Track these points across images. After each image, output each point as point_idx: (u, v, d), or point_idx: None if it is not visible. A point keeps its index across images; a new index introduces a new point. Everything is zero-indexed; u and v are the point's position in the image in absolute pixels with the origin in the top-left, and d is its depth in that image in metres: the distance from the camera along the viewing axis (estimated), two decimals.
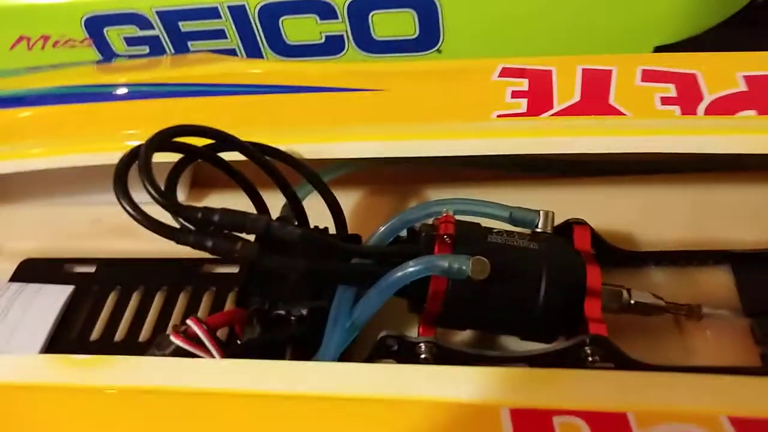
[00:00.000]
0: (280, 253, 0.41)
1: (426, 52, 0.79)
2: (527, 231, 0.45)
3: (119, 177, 0.40)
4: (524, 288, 0.41)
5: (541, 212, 0.45)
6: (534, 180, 0.54)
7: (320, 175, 0.50)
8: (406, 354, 0.42)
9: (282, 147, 0.49)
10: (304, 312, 0.43)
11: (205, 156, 0.47)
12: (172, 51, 0.82)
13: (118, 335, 0.51)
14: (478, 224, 0.45)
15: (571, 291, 0.42)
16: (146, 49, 0.84)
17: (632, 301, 0.44)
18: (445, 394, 0.36)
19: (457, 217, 0.45)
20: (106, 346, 0.50)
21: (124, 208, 0.39)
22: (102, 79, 0.73)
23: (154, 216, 0.38)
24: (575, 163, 0.53)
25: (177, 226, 0.40)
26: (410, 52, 0.79)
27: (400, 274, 0.40)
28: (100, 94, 0.65)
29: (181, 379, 0.38)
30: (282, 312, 0.43)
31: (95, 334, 0.51)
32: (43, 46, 0.86)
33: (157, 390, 0.37)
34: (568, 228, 0.46)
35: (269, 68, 0.66)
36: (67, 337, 0.52)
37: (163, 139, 0.43)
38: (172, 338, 0.39)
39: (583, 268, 0.42)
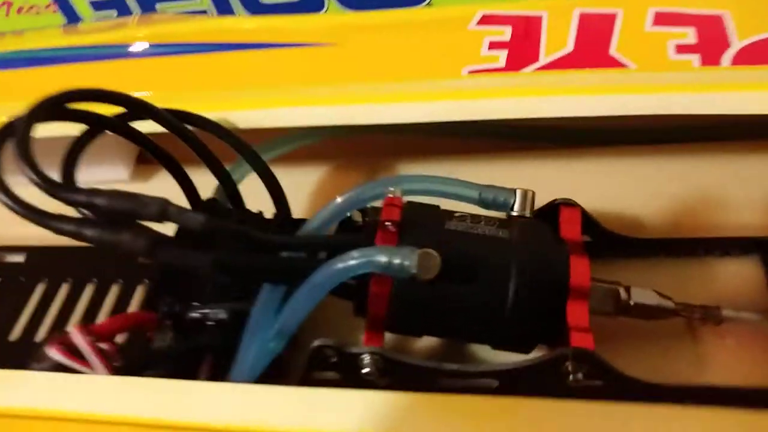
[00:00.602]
0: (203, 245, 0.33)
1: (416, 7, 0.70)
2: (502, 216, 0.37)
3: None
4: (488, 287, 0.33)
5: (518, 191, 0.36)
6: (518, 152, 0.45)
7: (259, 150, 0.42)
8: (347, 367, 0.34)
9: (213, 115, 0.41)
10: (224, 316, 0.35)
11: (113, 126, 0.39)
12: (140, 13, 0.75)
13: (40, 335, 0.45)
14: (435, 207, 0.36)
15: (548, 290, 0.33)
16: (114, 13, 0.76)
17: (632, 302, 0.35)
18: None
19: (413, 199, 0.37)
20: (25, 348, 0.44)
21: None
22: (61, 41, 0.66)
23: None
24: (567, 130, 0.44)
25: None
26: (398, 6, 0.70)
27: (327, 272, 0.32)
28: (60, 57, 0.59)
29: (53, 400, 0.31)
30: (197, 316, 0.36)
31: (15, 334, 0.46)
32: (7, 13, 0.79)
33: (20, 413, 0.30)
34: (553, 211, 0.37)
35: (204, 25, 0.58)
36: None
37: (50, 107, 0.35)
38: (49, 350, 0.32)
39: (565, 261, 0.33)
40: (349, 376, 0.34)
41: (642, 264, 0.39)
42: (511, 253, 0.33)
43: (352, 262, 0.31)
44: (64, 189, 0.33)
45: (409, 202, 0.36)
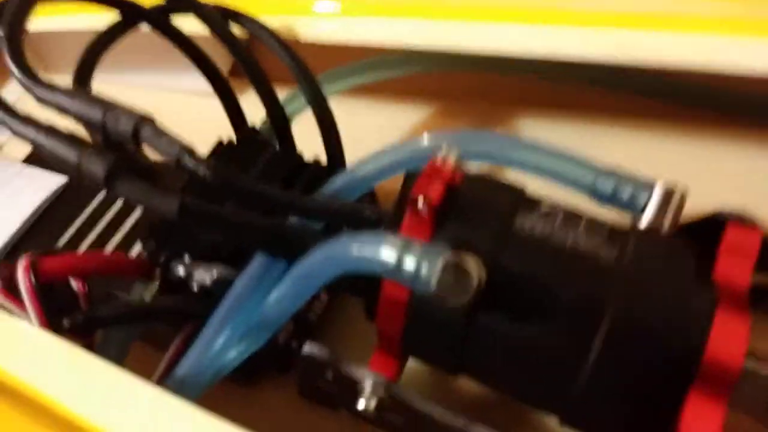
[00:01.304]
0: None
1: None
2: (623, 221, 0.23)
3: None
4: (558, 335, 0.20)
5: (659, 186, 0.23)
6: (695, 123, 0.29)
7: (328, 77, 0.32)
8: (344, 391, 0.24)
9: (275, 20, 0.32)
10: (208, 281, 0.27)
11: (149, 19, 0.31)
12: None
13: (84, 246, 0.41)
14: (512, 190, 0.24)
15: (660, 360, 0.20)
16: None
17: None
18: None
19: (484, 171, 0.25)
20: None
21: None
22: None
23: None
24: None
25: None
26: None
27: (318, 258, 0.22)
28: None
29: None
30: (182, 273, 0.28)
31: (63, 240, 0.42)
32: None
33: None
34: (713, 229, 0.23)
35: None
36: (41, 232, 0.43)
37: None
38: None
39: (705, 318, 0.20)
40: (345, 402, 0.24)
41: None
42: (610, 287, 0.20)
43: (348, 254, 0.21)
44: (38, 84, 0.26)
45: (475, 176, 0.24)
